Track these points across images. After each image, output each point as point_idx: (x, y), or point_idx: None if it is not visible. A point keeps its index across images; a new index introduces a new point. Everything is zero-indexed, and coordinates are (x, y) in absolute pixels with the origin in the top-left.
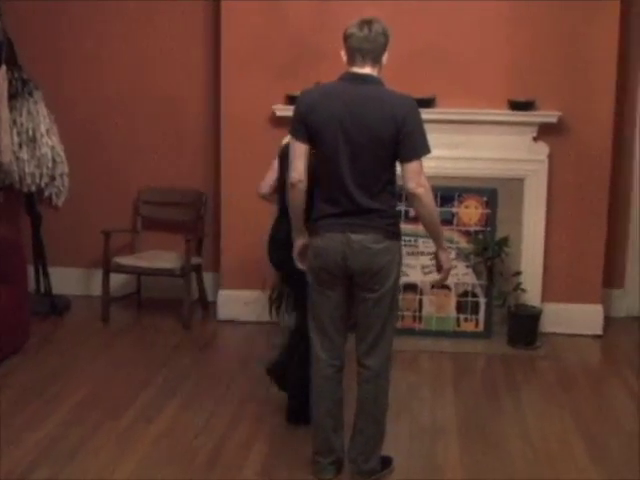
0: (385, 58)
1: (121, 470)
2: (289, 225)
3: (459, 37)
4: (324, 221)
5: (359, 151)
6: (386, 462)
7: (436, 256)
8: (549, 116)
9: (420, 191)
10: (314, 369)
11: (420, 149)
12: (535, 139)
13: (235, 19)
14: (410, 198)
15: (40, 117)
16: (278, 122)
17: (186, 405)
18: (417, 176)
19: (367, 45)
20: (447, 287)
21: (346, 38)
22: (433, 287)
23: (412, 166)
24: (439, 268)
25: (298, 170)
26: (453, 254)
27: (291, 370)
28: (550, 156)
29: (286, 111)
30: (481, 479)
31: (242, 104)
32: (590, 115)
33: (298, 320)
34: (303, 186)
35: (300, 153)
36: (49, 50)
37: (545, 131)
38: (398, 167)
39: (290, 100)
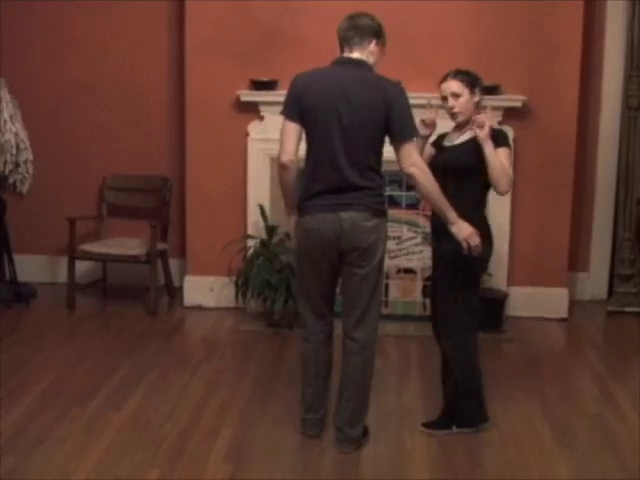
0: (373, 47)
1: (88, 458)
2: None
3: (424, 22)
4: (314, 200)
5: (350, 131)
6: (365, 430)
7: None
8: (514, 100)
9: (413, 170)
10: (305, 335)
11: (410, 131)
12: (500, 123)
13: (199, 4)
14: (407, 178)
15: (3, 103)
16: (243, 107)
17: (153, 392)
18: (409, 157)
19: (350, 33)
20: (413, 271)
21: (337, 32)
22: (471, 254)
23: (404, 148)
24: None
25: (289, 151)
26: (419, 239)
27: (449, 383)
28: (515, 140)
29: (251, 96)
30: (448, 463)
31: (206, 89)
32: (555, 99)
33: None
34: (294, 166)
35: (292, 133)
36: (12, 36)
37: (510, 115)
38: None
39: (255, 85)
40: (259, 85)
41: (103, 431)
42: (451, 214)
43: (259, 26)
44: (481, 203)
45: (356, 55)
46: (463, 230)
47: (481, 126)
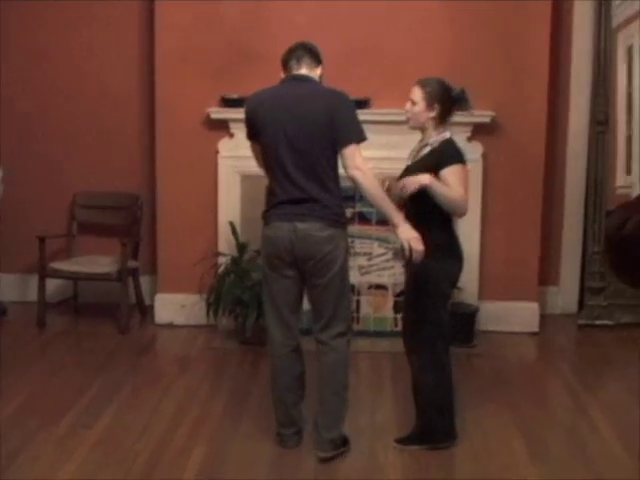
0: (320, 71)
1: (60, 476)
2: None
3: (392, 38)
4: (273, 211)
5: (298, 144)
6: (345, 440)
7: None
8: (483, 116)
9: (355, 173)
10: (271, 349)
11: (353, 135)
12: (469, 139)
13: (169, 21)
14: (350, 180)
15: None
16: (213, 124)
17: (125, 410)
18: (351, 160)
19: (300, 51)
20: (384, 287)
21: (281, 59)
22: (411, 259)
23: (346, 151)
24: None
25: (260, 165)
26: (390, 255)
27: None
28: (484, 155)
29: (221, 113)
30: (422, 478)
31: (177, 106)
32: (523, 114)
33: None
34: None
35: (256, 152)
36: None
37: (479, 131)
38: None
39: (225, 102)
40: (229, 102)
41: (75, 450)
42: (396, 216)
43: (229, 43)
44: (445, 222)
45: (304, 71)
46: (406, 232)
47: (405, 189)
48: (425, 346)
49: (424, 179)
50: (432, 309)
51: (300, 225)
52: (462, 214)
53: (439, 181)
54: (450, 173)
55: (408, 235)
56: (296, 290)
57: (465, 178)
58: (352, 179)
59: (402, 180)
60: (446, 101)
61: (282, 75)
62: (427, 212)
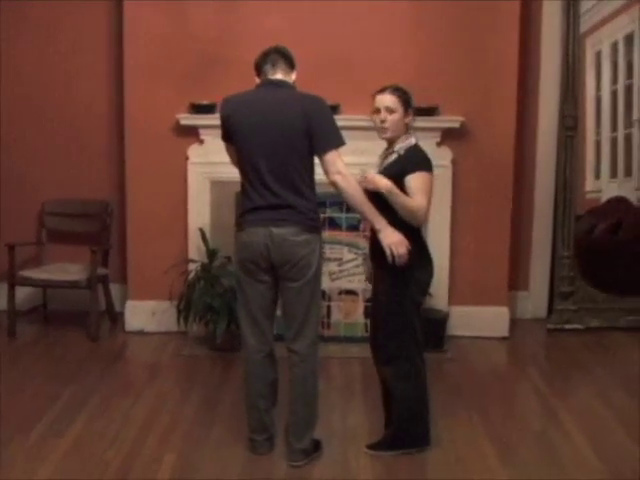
0: (294, 76)
1: None
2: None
3: (362, 45)
4: (248, 216)
5: (275, 149)
6: (317, 445)
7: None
8: (452, 121)
9: (336, 178)
10: (244, 355)
11: (332, 141)
12: (439, 144)
13: (138, 28)
14: (332, 186)
15: None
16: (182, 131)
17: (96, 418)
18: (332, 165)
19: (275, 55)
20: (354, 293)
21: (255, 63)
22: (394, 262)
23: (327, 157)
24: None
25: (234, 164)
26: (360, 260)
27: (393, 406)
28: (454, 161)
29: (190, 120)
30: None
31: (146, 113)
32: (492, 120)
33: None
34: None
35: (232, 154)
36: None
37: (448, 136)
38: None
39: (194, 109)
40: (199, 108)
41: (46, 458)
42: (378, 220)
43: (199, 50)
44: (414, 229)
45: (280, 76)
46: (389, 236)
47: (365, 183)
48: (400, 354)
49: (382, 185)
50: (405, 317)
51: (276, 230)
52: (420, 224)
53: (405, 187)
54: (413, 180)
55: (390, 239)
56: (270, 295)
57: (429, 186)
58: (334, 184)
59: (367, 174)
60: (413, 107)
61: (256, 79)
62: (395, 220)
